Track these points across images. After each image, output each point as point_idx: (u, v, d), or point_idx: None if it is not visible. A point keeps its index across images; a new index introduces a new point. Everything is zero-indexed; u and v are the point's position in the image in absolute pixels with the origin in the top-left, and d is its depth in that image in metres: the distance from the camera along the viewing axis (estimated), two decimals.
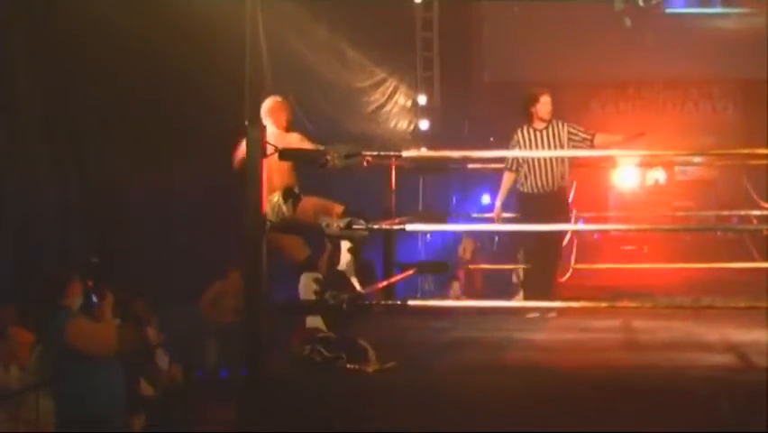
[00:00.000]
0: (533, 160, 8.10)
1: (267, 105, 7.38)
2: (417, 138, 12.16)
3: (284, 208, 7.11)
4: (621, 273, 10.14)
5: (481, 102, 13.10)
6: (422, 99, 12.74)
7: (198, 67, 9.03)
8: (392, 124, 11.74)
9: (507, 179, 8.33)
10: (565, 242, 8.33)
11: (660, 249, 11.11)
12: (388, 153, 7.22)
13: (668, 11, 13.41)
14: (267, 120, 7.21)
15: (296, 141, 7.21)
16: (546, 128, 8.18)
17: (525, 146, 8.15)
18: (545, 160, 8.07)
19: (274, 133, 6.96)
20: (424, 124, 12.69)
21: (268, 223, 5.91)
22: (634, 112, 14.69)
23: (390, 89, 11.95)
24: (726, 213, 10.43)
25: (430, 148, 10.23)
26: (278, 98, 7.44)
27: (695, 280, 9.53)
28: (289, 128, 7.35)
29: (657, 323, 7.48)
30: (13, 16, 8.29)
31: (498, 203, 8.35)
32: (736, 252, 9.98)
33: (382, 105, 11.85)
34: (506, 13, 13.21)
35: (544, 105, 8.19)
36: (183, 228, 9.19)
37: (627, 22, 13.25)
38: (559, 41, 13.05)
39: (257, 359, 5.63)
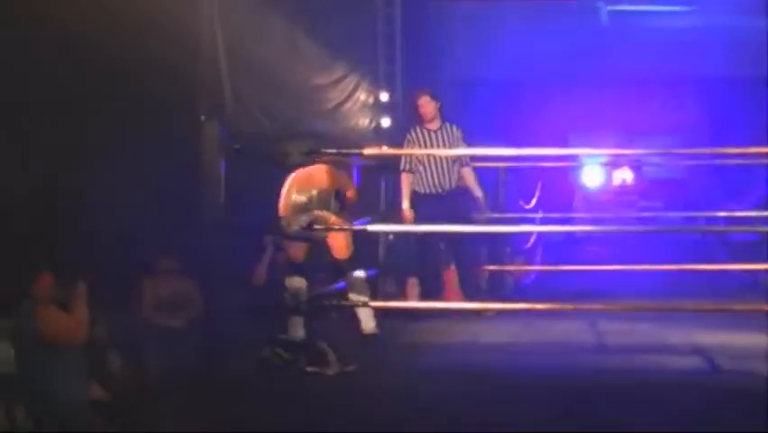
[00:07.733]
0: None
1: None
2: (379, 136, 11.94)
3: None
4: (587, 275, 10.03)
5: (444, 99, 12.90)
6: (384, 96, 12.54)
7: (147, 61, 8.63)
8: (352, 123, 11.50)
9: None
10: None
11: (626, 250, 11.01)
12: (349, 151, 7.03)
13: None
14: None
15: None
16: None
17: None
18: None
19: None
20: (386, 122, 12.48)
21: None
22: (596, 111, 14.60)
23: (351, 87, 11.74)
24: (693, 213, 10.34)
25: (392, 146, 9.99)
26: None
27: (661, 282, 9.45)
28: None
29: (623, 325, 7.40)
30: None
31: None
32: (703, 253, 9.89)
33: (342, 103, 11.63)
34: (465, 11, 12.98)
35: None
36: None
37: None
38: (516, 42, 12.80)
39: (216, 361, 5.51)
